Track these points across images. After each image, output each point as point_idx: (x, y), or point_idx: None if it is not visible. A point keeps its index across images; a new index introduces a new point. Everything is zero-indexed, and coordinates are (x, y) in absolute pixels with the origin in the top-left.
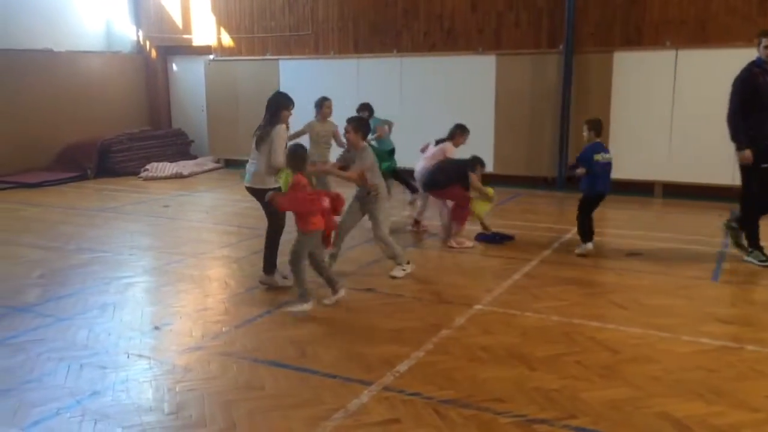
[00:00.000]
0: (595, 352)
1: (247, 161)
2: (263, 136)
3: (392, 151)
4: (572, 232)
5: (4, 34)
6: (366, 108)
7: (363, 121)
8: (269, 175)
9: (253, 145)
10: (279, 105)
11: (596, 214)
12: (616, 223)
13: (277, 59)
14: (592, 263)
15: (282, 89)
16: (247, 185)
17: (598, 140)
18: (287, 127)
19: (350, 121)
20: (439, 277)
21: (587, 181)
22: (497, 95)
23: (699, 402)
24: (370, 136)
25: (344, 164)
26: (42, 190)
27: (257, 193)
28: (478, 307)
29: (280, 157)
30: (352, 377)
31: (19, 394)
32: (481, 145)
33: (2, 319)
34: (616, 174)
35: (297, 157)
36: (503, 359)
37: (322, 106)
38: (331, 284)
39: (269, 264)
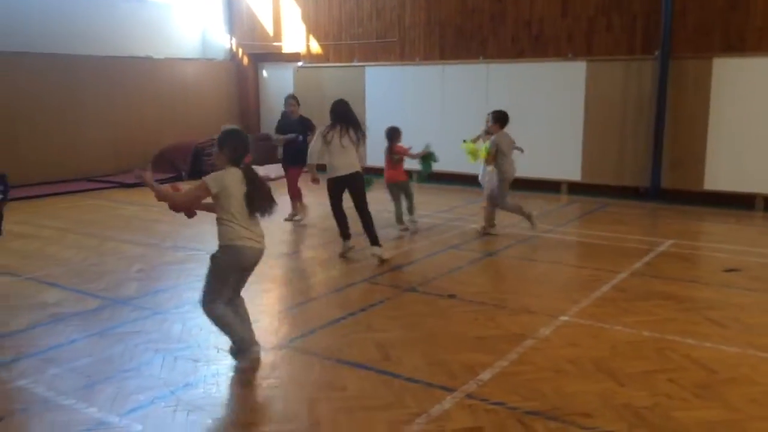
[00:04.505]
0: (689, 371)
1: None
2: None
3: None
4: (666, 245)
5: (109, 43)
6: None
7: None
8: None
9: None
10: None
11: (693, 227)
12: (714, 237)
13: (364, 65)
14: (687, 278)
15: (367, 95)
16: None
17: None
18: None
19: None
20: (522, 286)
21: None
22: (587, 102)
23: None
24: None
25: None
26: (140, 190)
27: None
28: (563, 318)
29: None
30: (435, 383)
31: (117, 382)
32: (568, 153)
33: (103, 310)
34: (713, 186)
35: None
36: (590, 373)
37: None
38: None
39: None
